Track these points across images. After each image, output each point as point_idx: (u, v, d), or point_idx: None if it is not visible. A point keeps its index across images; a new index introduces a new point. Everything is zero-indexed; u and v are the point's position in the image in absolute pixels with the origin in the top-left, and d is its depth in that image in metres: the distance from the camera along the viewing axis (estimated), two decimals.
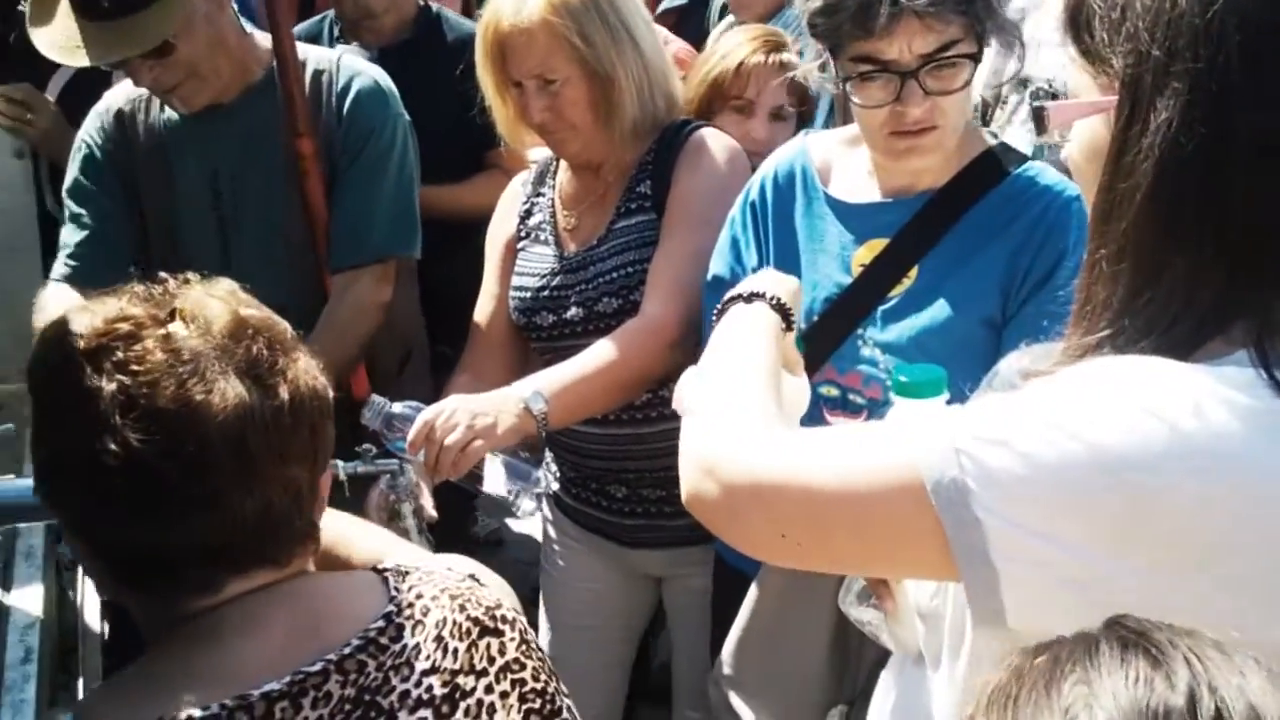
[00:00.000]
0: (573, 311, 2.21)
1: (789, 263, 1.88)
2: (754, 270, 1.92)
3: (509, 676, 1.20)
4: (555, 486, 2.38)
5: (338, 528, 1.48)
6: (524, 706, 1.20)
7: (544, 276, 2.26)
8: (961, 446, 0.96)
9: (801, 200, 1.92)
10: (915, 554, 1.01)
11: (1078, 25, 1.03)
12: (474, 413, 1.91)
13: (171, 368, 1.10)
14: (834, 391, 1.89)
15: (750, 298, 1.41)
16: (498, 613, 1.23)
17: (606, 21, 2.08)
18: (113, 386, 1.08)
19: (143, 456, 1.07)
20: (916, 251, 1.80)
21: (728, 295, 1.44)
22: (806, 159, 1.95)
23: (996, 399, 1.03)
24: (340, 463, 2.02)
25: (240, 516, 1.12)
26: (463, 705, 1.16)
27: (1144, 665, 0.70)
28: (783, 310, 1.41)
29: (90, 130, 2.43)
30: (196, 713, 1.06)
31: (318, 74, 2.38)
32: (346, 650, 1.13)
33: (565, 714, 1.25)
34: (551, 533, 2.46)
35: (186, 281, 1.22)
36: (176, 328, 1.14)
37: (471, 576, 1.29)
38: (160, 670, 1.13)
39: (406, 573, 1.24)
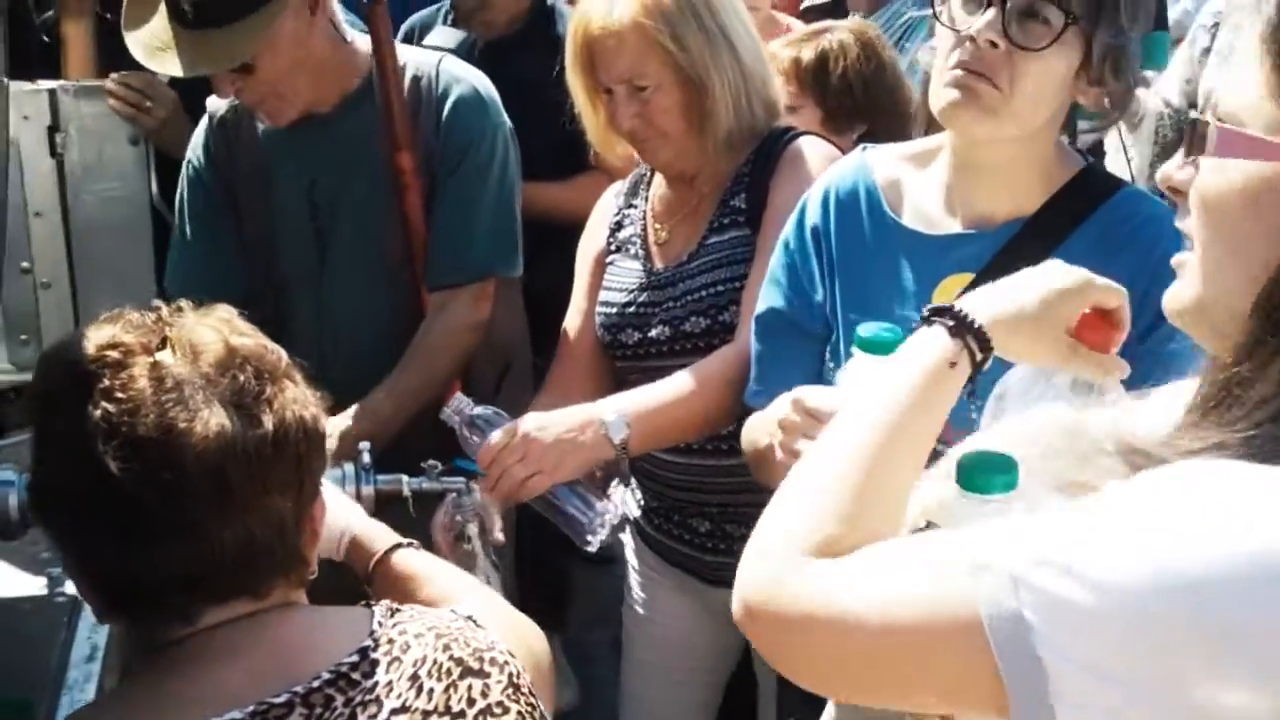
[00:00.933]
0: (658, 330, 2.08)
1: (858, 301, 1.69)
2: (819, 304, 1.74)
3: (488, 719, 1.18)
4: (637, 513, 2.29)
5: (417, 565, 1.52)
6: None
7: (631, 292, 2.14)
8: (1021, 574, 0.83)
9: (870, 227, 1.71)
10: (971, 695, 0.89)
11: None
12: (544, 444, 1.83)
13: (155, 396, 1.12)
14: None
15: (932, 317, 1.14)
16: (486, 654, 1.21)
17: (702, 24, 1.96)
18: (97, 413, 1.11)
19: (122, 484, 1.09)
20: None
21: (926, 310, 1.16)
22: (870, 178, 1.73)
23: (1065, 511, 0.88)
24: (406, 478, 1.97)
25: (219, 546, 1.13)
26: None
27: None
28: (975, 337, 1.12)
29: (196, 144, 2.44)
30: None
31: (416, 80, 2.30)
32: (315, 684, 1.12)
33: None
34: (634, 561, 2.34)
35: (180, 310, 1.22)
36: (164, 356, 1.15)
37: (469, 618, 1.25)
38: (133, 696, 1.16)
39: (398, 610, 1.23)
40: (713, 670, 2.31)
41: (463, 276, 2.30)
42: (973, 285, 1.61)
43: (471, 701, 1.17)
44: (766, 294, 1.82)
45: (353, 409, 2.16)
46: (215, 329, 1.20)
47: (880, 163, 1.75)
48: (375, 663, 1.15)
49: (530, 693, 1.23)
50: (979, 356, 1.13)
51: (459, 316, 2.29)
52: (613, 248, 2.21)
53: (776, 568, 1.01)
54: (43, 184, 2.76)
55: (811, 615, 0.95)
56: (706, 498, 2.13)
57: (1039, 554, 0.83)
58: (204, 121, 2.44)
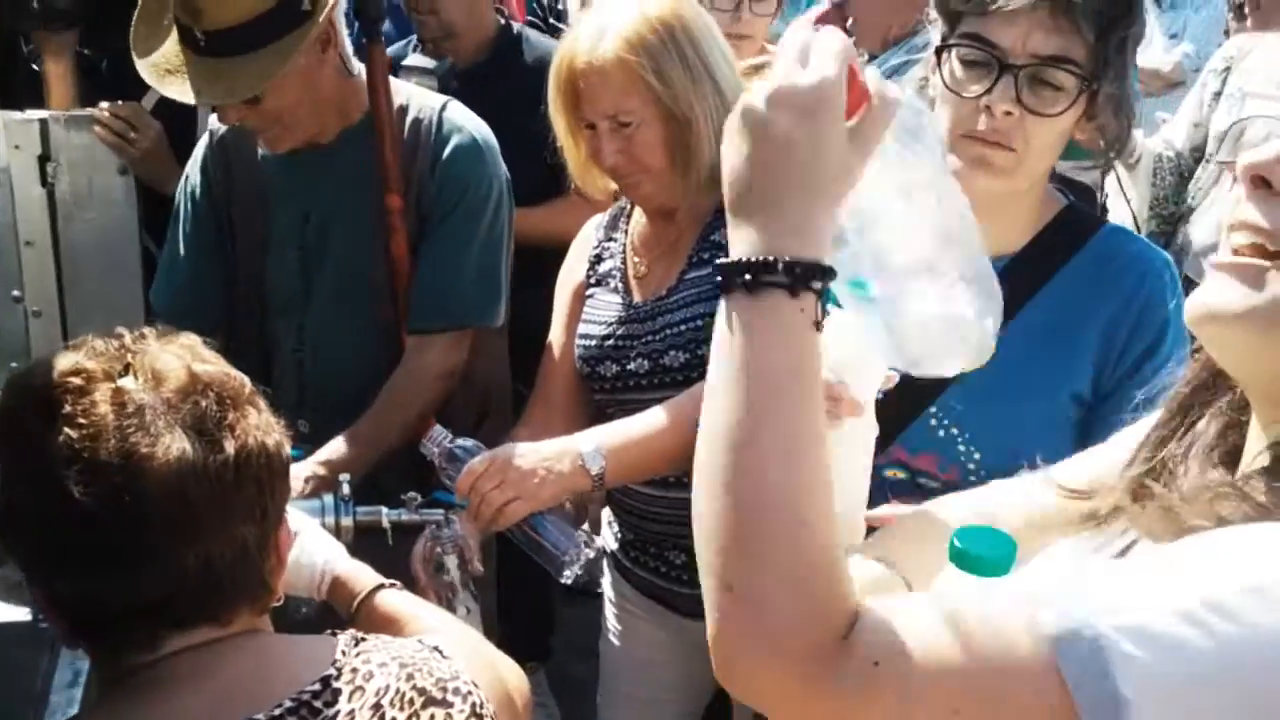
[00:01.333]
0: (637, 363, 2.10)
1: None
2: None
3: None
4: (614, 547, 2.30)
5: (401, 606, 1.55)
6: None
7: (610, 325, 2.16)
8: (1102, 634, 0.80)
9: None
10: None
11: None
12: (522, 470, 1.85)
13: (116, 421, 1.13)
14: (901, 475, 1.73)
15: (755, 275, 0.93)
16: (450, 684, 1.22)
17: (685, 60, 1.97)
18: (59, 439, 1.12)
19: (84, 508, 1.10)
20: None
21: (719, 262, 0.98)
22: None
23: (1136, 568, 0.86)
24: (385, 510, 1.99)
25: (181, 571, 1.14)
26: None
27: None
28: (808, 277, 0.93)
29: (195, 162, 2.45)
30: None
31: (416, 122, 2.31)
32: (276, 711, 1.13)
33: None
34: (611, 594, 2.35)
35: (143, 336, 1.23)
36: (127, 382, 1.16)
37: (435, 649, 1.26)
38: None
39: (363, 639, 1.25)
40: (688, 700, 2.32)
41: (441, 323, 2.31)
42: None
43: None
44: None
45: (318, 452, 2.16)
46: (178, 356, 1.21)
47: None
48: (338, 691, 1.16)
49: (493, 718, 1.25)
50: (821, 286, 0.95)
51: (431, 363, 2.30)
52: (592, 280, 2.23)
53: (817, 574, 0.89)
54: (33, 213, 2.79)
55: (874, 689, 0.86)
56: (683, 530, 2.13)
57: (1117, 617, 0.80)
58: (204, 140, 2.45)
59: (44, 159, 2.75)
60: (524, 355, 2.51)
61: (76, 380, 1.15)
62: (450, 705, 1.21)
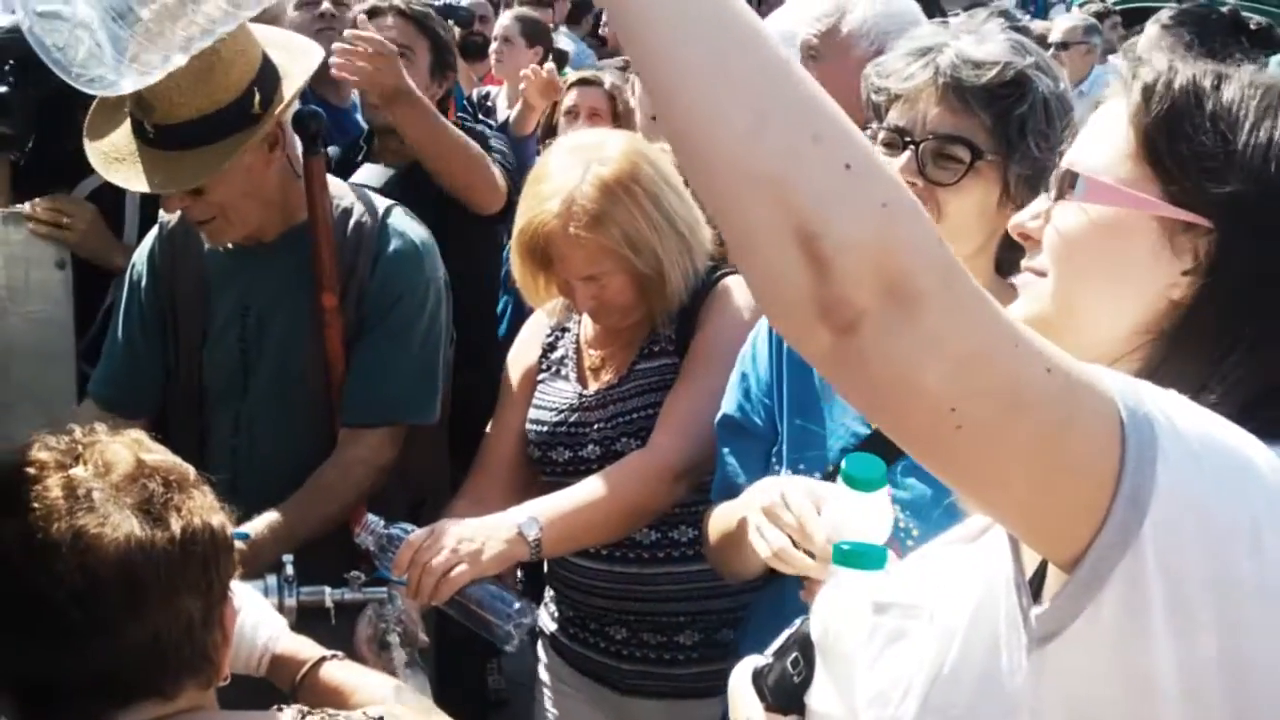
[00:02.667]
0: (590, 449, 2.18)
1: (802, 408, 1.82)
2: (765, 408, 1.86)
3: None
4: (553, 627, 2.34)
5: (344, 677, 1.60)
6: None
7: (563, 412, 2.24)
8: (1158, 424, 0.90)
9: None
10: (1069, 488, 0.90)
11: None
12: (461, 537, 1.89)
13: (67, 505, 1.19)
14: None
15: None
16: None
17: (651, 222, 2.07)
18: (12, 522, 1.18)
19: (36, 587, 1.16)
20: None
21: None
22: None
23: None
24: (329, 589, 2.00)
25: (128, 644, 1.18)
26: None
27: None
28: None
29: (142, 252, 2.49)
30: None
31: (359, 225, 2.38)
32: None
33: None
34: (545, 678, 2.38)
35: (94, 430, 1.30)
36: (77, 470, 1.22)
37: (379, 718, 1.31)
38: None
39: (309, 713, 1.29)
40: None
41: (373, 418, 2.34)
42: None
43: None
44: (726, 400, 1.94)
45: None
46: (127, 446, 1.28)
47: None
48: None
49: None
50: None
51: (359, 456, 2.32)
52: (544, 367, 2.31)
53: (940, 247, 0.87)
54: None
55: (989, 335, 0.87)
56: (625, 604, 2.20)
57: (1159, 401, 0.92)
58: (154, 231, 2.50)
59: None
60: (462, 438, 2.56)
61: (30, 470, 1.22)
62: None
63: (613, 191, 2.04)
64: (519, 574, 3.22)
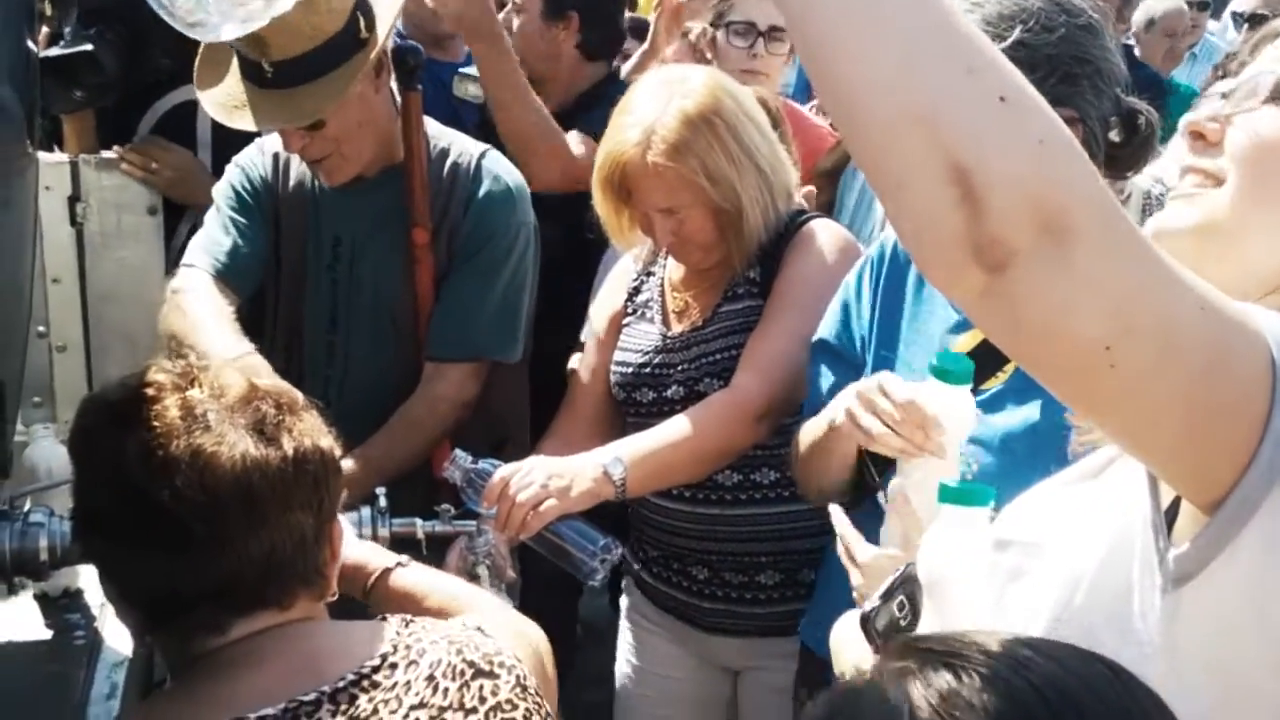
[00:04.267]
0: (674, 390, 2.20)
1: (888, 342, 1.84)
2: (860, 338, 1.88)
3: (499, 715, 1.27)
4: (637, 566, 2.36)
5: (415, 581, 1.63)
6: None
7: (647, 354, 2.25)
8: None
9: (914, 278, 1.86)
10: (1219, 429, 0.89)
11: None
12: (551, 473, 1.92)
13: (185, 424, 1.23)
14: None
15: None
16: (496, 658, 1.31)
17: (729, 154, 2.06)
18: (133, 442, 1.22)
19: (159, 503, 1.20)
20: None
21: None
22: None
23: None
24: (420, 521, 2.05)
25: (246, 559, 1.23)
26: None
27: (947, 676, 0.72)
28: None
29: (249, 158, 2.49)
30: None
31: (455, 165, 2.41)
32: (340, 684, 1.22)
33: None
34: (629, 613, 2.42)
35: (206, 361, 1.40)
36: (193, 393, 1.27)
37: (478, 629, 1.36)
38: (168, 705, 1.25)
39: (412, 621, 1.34)
40: (705, 717, 2.37)
41: (457, 353, 2.38)
42: (985, 341, 1.75)
43: (483, 700, 1.27)
44: (825, 325, 1.96)
45: None
46: (239, 373, 1.33)
47: None
48: (395, 665, 1.25)
49: (536, 693, 1.33)
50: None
51: (444, 391, 2.37)
52: (630, 311, 2.33)
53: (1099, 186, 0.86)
54: (61, 251, 2.85)
55: (1148, 274, 0.85)
56: (707, 545, 2.22)
57: None
58: (258, 144, 2.48)
59: (74, 199, 2.83)
60: (542, 383, 2.60)
61: (149, 391, 1.26)
62: (497, 677, 1.30)
63: (693, 123, 2.04)
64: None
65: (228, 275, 2.37)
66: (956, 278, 0.83)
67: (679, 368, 2.20)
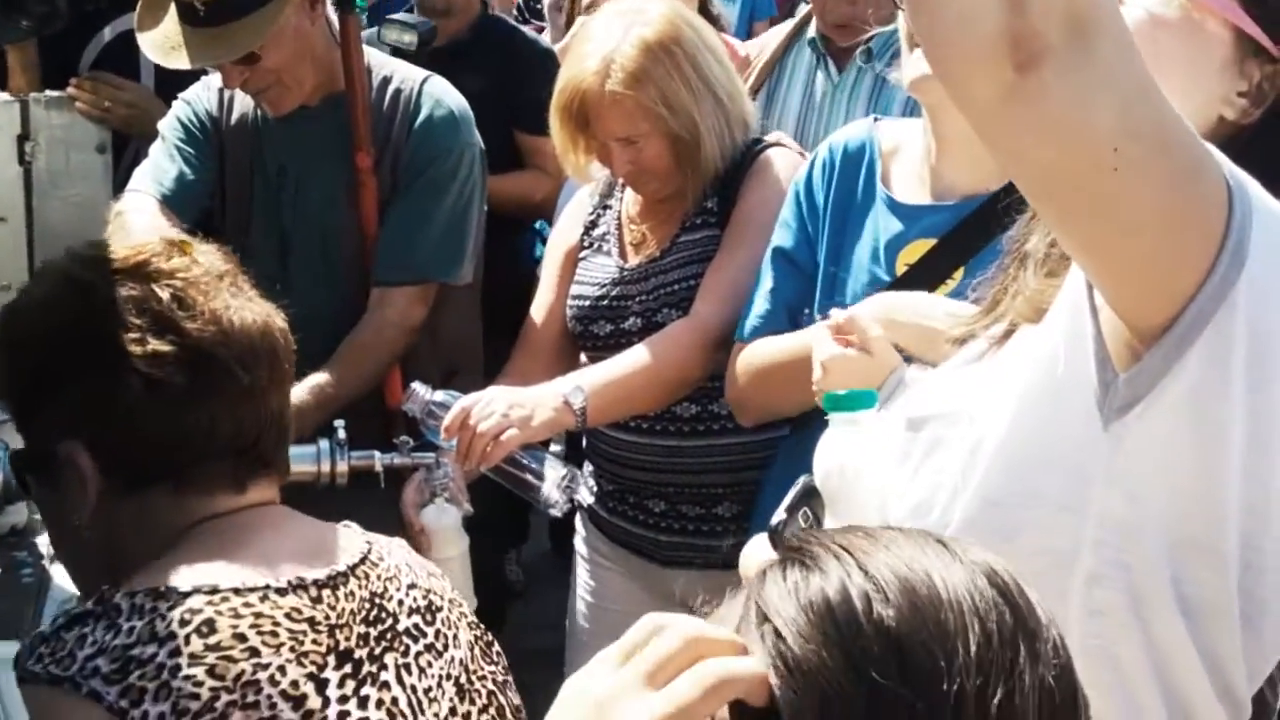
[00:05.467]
0: (631, 321, 2.17)
1: (836, 250, 1.83)
2: (809, 248, 1.87)
3: (456, 608, 1.34)
4: (591, 500, 2.34)
5: None
6: (472, 632, 1.34)
7: (604, 286, 2.23)
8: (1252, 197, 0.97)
9: (861, 188, 1.85)
10: (1187, 236, 0.96)
11: None
12: (511, 403, 1.89)
13: (209, 278, 1.23)
14: None
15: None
16: (428, 565, 1.39)
17: (689, 84, 2.05)
18: (166, 292, 1.19)
19: (202, 345, 1.18)
20: (963, 254, 1.72)
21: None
22: (874, 145, 1.87)
23: None
24: (378, 454, 2.03)
25: (270, 412, 1.23)
26: (439, 617, 1.29)
27: (798, 572, 0.74)
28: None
29: (195, 93, 2.48)
30: (272, 582, 1.15)
31: (397, 92, 2.39)
32: (353, 561, 1.24)
33: (497, 645, 1.38)
34: (583, 550, 2.39)
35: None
36: (190, 259, 1.26)
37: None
38: (203, 557, 1.16)
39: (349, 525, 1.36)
40: None
41: (402, 276, 2.35)
42: (932, 252, 1.74)
43: (442, 595, 1.33)
44: (776, 235, 1.95)
45: None
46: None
47: (888, 131, 1.88)
48: (381, 554, 1.29)
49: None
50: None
51: (391, 316, 2.34)
52: (586, 244, 2.30)
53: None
54: (8, 191, 2.79)
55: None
56: (663, 477, 2.21)
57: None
58: (201, 86, 2.48)
59: (22, 138, 2.76)
60: (497, 318, 2.59)
61: (156, 246, 1.24)
62: (440, 578, 1.36)
63: (653, 52, 2.03)
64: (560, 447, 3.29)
65: (172, 201, 2.35)
66: (988, 76, 0.88)
67: (636, 299, 2.18)
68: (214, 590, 1.11)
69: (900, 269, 1.79)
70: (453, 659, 1.27)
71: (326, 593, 1.18)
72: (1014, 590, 0.74)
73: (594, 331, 2.21)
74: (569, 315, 2.26)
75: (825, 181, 1.89)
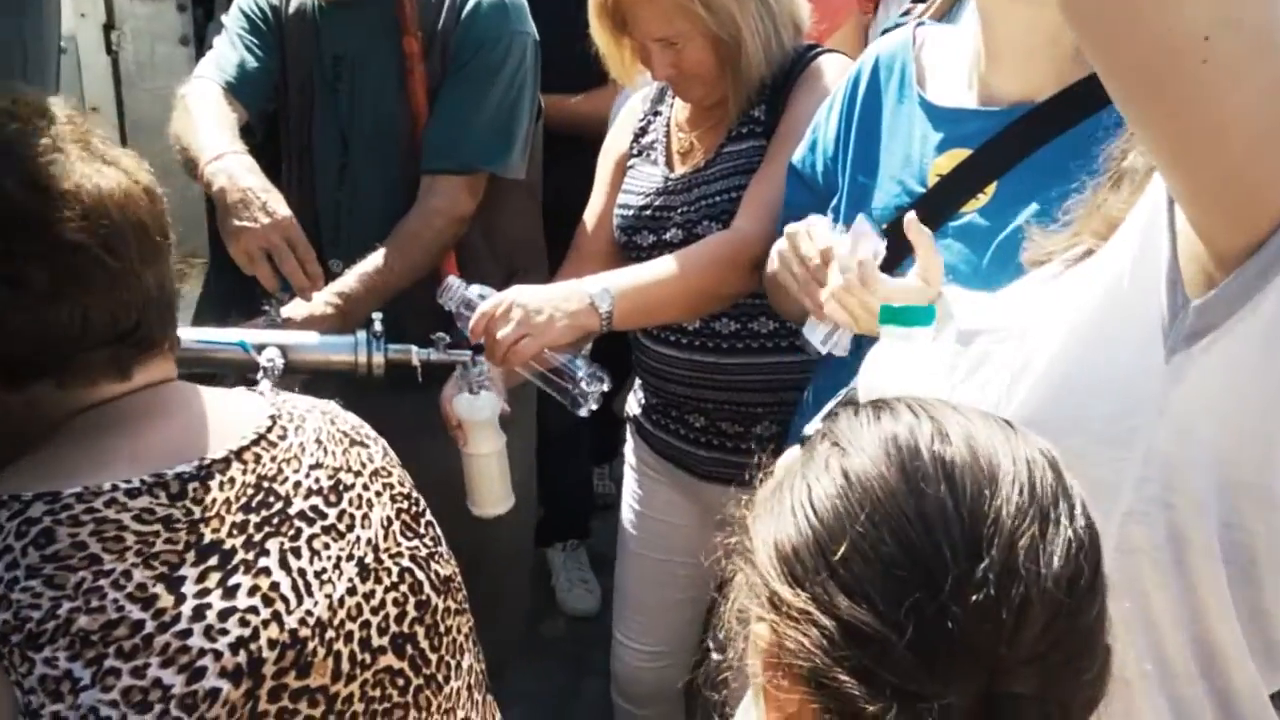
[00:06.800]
0: (672, 233, 2.10)
1: (866, 161, 1.71)
2: (828, 162, 1.78)
3: (380, 480, 1.28)
4: (638, 412, 2.33)
5: None
6: (395, 506, 1.28)
7: (648, 195, 2.16)
8: None
9: (893, 96, 1.73)
10: (1275, 150, 0.88)
11: None
12: (530, 308, 1.85)
13: (54, 147, 1.11)
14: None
15: None
16: (361, 430, 1.33)
17: None
18: (11, 179, 1.09)
19: (61, 238, 1.09)
20: (997, 167, 1.58)
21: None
22: (909, 52, 1.74)
23: None
24: (415, 348, 2.02)
25: (146, 291, 1.15)
26: (346, 496, 1.24)
27: (871, 411, 0.87)
28: None
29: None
30: (121, 484, 1.09)
31: None
32: (244, 443, 1.19)
33: (429, 516, 1.33)
34: (631, 459, 2.37)
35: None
36: (30, 125, 1.13)
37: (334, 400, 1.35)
38: (71, 453, 1.12)
39: (278, 391, 1.32)
40: (698, 565, 2.34)
41: (449, 164, 2.28)
42: (967, 161, 1.62)
43: (364, 465, 1.28)
44: (800, 150, 1.86)
45: (329, 286, 2.16)
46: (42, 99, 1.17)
47: (927, 38, 1.75)
48: (285, 429, 1.23)
49: (398, 463, 1.34)
50: None
51: (438, 204, 2.27)
52: (634, 152, 2.23)
53: None
54: (98, 80, 2.86)
55: None
56: (704, 393, 2.16)
57: None
58: None
59: (109, 28, 2.83)
60: (556, 234, 2.51)
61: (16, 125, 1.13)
62: (369, 446, 1.31)
63: None
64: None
65: (236, 88, 2.30)
66: None
67: (679, 210, 2.11)
68: (55, 498, 1.07)
69: (932, 179, 1.66)
70: (358, 539, 1.22)
71: (194, 486, 1.13)
72: (1063, 471, 0.82)
73: (637, 242, 2.16)
74: (615, 224, 2.20)
75: (851, 90, 1.77)
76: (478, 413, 1.99)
